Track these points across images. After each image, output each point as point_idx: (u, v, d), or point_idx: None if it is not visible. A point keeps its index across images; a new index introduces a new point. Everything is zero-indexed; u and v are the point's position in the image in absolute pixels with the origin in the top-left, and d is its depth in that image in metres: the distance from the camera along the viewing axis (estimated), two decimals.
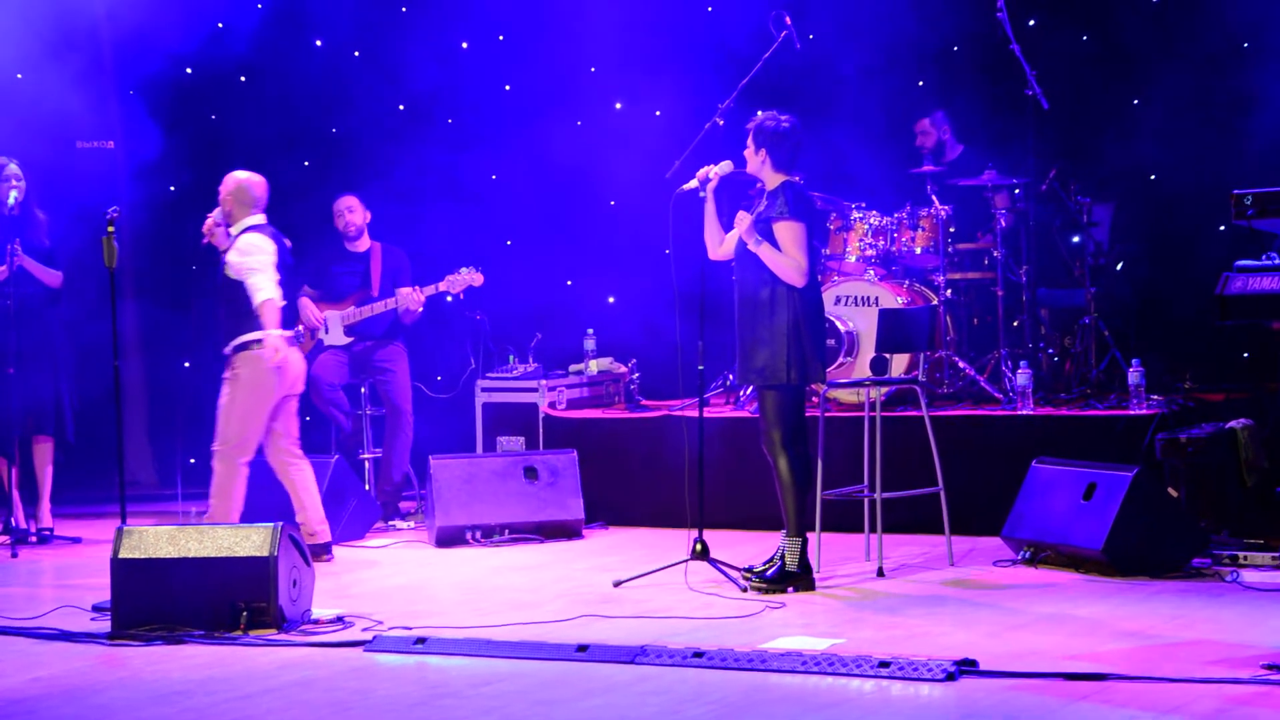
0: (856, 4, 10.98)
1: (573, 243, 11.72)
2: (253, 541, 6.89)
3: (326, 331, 10.18)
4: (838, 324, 9.57)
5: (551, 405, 10.24)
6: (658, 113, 11.53)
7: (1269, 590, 7.30)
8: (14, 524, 9.58)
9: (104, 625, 6.97)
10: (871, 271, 9.82)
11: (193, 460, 10.89)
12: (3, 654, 6.65)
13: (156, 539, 6.95)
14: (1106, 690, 5.65)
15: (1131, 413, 8.93)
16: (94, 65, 11.32)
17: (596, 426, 10.12)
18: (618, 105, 11.80)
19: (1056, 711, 5.43)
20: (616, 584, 7.82)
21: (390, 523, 10.02)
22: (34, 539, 9.62)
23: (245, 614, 6.81)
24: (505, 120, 11.77)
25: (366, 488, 10.07)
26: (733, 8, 11.02)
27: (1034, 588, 7.61)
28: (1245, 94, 10.11)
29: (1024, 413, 9.18)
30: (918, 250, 9.95)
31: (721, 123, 9.52)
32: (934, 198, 9.99)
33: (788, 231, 7.53)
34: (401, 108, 11.98)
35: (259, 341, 8.38)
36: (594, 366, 10.71)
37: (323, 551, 8.63)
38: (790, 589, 7.55)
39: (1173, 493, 8.27)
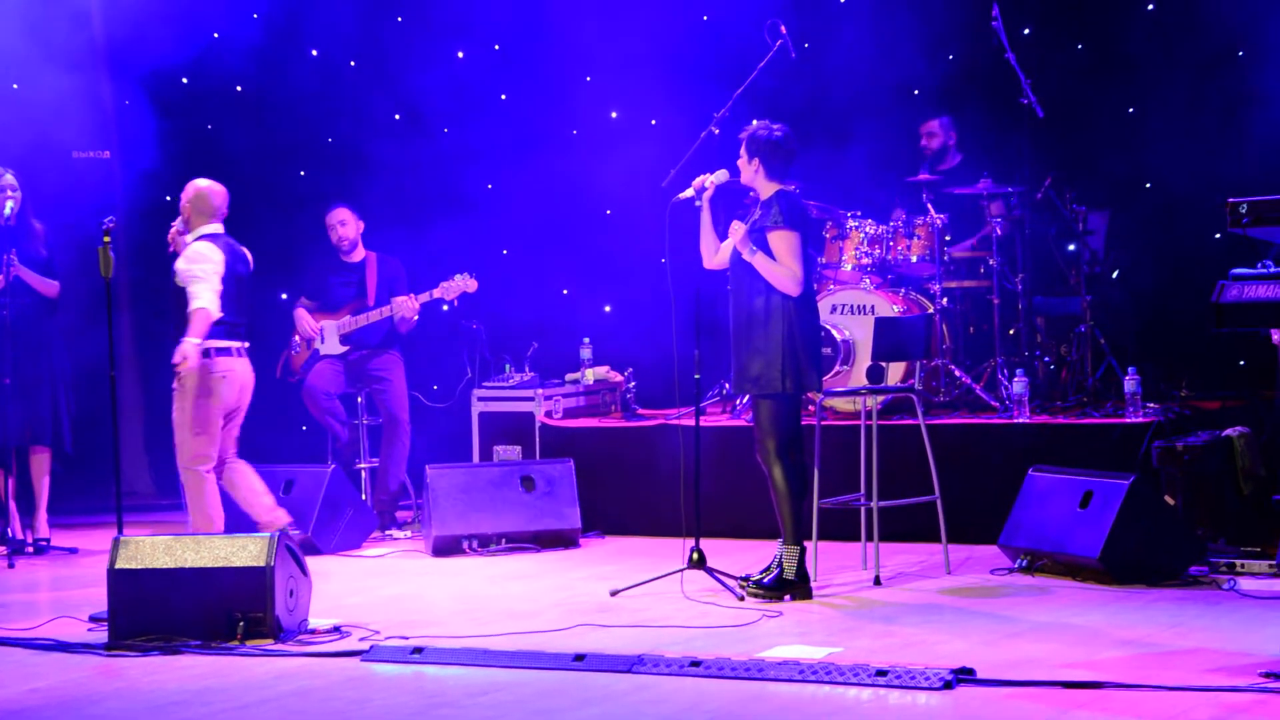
0: (852, 13, 11.00)
1: (569, 252, 11.73)
2: (249, 552, 6.88)
3: (323, 341, 10.18)
4: (834, 332, 9.57)
5: (548, 414, 10.24)
6: (653, 122, 11.54)
7: (1266, 598, 7.30)
8: (11, 534, 9.58)
9: (101, 636, 6.96)
10: (867, 280, 9.81)
11: None
12: (0, 665, 6.64)
13: (153, 549, 6.94)
14: (1104, 698, 5.64)
15: (1128, 421, 8.93)
16: (90, 75, 11.32)
17: (593, 436, 10.12)
18: (613, 114, 11.81)
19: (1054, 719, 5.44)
20: (613, 593, 7.81)
21: (387, 532, 10.01)
22: (31, 549, 9.61)
23: (242, 624, 6.81)
24: (501, 130, 11.76)
25: (363, 497, 10.08)
26: (728, 17, 11.04)
27: (1031, 596, 7.61)
28: (1240, 102, 10.14)
29: (1020, 421, 9.18)
30: (914, 259, 9.94)
31: (717, 131, 9.53)
32: (930, 206, 9.99)
33: (782, 241, 7.52)
34: (397, 117, 11.98)
35: (204, 352, 8.15)
36: (590, 376, 10.71)
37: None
38: (787, 597, 7.55)
39: (1169, 501, 8.27)
